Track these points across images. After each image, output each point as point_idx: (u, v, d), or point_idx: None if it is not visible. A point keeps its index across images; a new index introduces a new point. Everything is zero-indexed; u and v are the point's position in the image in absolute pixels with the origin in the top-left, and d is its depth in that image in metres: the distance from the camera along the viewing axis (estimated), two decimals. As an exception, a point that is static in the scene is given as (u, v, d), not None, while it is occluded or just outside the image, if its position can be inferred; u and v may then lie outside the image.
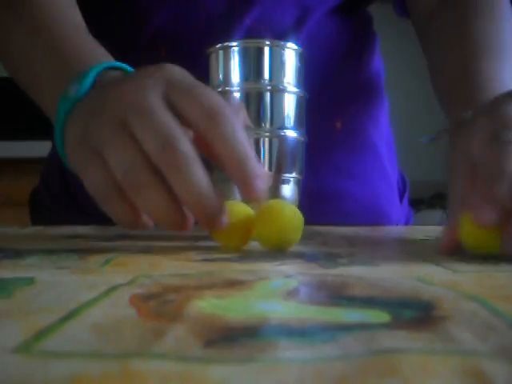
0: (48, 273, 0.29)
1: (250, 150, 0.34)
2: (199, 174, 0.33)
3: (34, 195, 0.72)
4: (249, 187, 0.34)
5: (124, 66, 0.43)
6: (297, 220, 0.37)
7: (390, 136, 0.72)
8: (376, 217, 0.65)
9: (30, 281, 0.26)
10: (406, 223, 0.72)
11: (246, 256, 0.36)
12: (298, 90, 0.47)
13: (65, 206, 0.65)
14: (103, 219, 0.60)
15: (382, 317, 0.19)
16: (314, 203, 0.60)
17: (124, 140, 0.34)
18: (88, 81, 0.40)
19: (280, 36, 0.58)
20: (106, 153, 0.34)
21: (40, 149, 1.82)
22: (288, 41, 0.47)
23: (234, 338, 0.17)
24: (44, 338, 0.16)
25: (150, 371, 0.14)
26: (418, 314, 0.20)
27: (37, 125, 1.81)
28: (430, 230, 0.59)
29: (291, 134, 0.46)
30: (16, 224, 0.59)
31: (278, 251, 0.38)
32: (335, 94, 0.63)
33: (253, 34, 0.57)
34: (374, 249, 0.41)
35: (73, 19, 0.49)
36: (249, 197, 0.35)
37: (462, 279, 0.27)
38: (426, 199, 2.20)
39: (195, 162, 0.33)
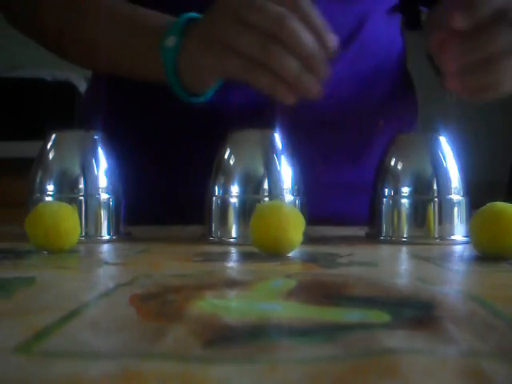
0: (48, 273, 0.29)
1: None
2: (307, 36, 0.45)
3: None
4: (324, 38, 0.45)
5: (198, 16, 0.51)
6: (296, 221, 0.36)
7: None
8: None
9: (30, 281, 0.26)
10: None
11: (246, 256, 0.36)
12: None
13: None
14: None
15: (382, 317, 0.19)
16: (325, 195, 0.61)
17: (245, 29, 0.45)
18: (180, 27, 0.49)
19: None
20: (236, 42, 0.46)
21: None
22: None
23: (234, 338, 0.17)
24: (44, 338, 0.16)
25: (149, 371, 0.14)
26: (418, 313, 0.20)
27: (36, 125, 1.80)
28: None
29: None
30: (16, 224, 0.59)
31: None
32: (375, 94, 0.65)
33: None
34: (374, 249, 0.41)
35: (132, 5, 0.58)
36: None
37: (462, 279, 0.27)
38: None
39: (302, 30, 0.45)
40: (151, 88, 0.57)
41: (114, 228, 0.46)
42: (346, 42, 0.61)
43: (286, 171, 0.44)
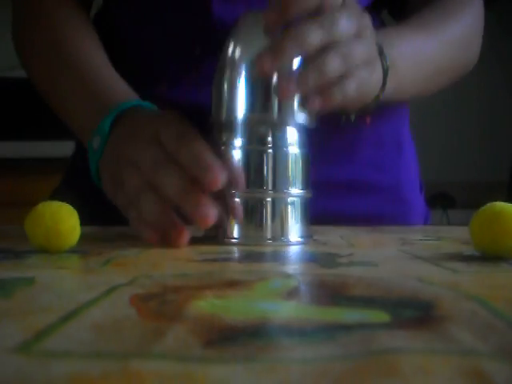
0: (48, 273, 0.29)
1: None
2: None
3: (55, 197, 0.71)
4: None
5: (141, 103, 0.51)
6: None
7: (411, 136, 0.74)
8: (401, 205, 0.68)
9: (30, 281, 0.26)
10: (426, 218, 0.74)
11: (246, 256, 0.36)
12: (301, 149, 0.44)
13: (92, 206, 0.65)
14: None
15: (382, 317, 0.19)
16: (343, 194, 0.62)
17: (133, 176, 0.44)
18: (104, 132, 0.49)
19: None
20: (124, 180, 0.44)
21: (41, 149, 1.82)
22: None
23: (234, 338, 0.17)
24: (44, 338, 0.16)
25: (149, 371, 0.14)
26: (418, 313, 0.20)
27: (39, 126, 1.80)
28: (430, 229, 0.59)
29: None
30: (17, 224, 0.59)
31: (284, 251, 0.38)
32: None
33: None
34: (374, 249, 0.41)
35: (100, 57, 0.59)
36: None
37: (462, 279, 0.27)
38: (426, 199, 2.20)
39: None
40: (148, 90, 0.57)
41: None
42: None
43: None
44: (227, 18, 0.57)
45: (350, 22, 0.45)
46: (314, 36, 0.42)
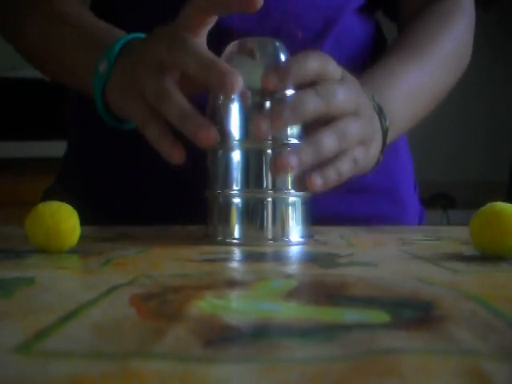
0: (48, 273, 0.29)
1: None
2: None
3: (48, 196, 0.71)
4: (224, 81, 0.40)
5: (141, 35, 0.51)
6: None
7: (407, 139, 0.74)
8: (397, 205, 0.69)
9: (30, 281, 0.26)
10: (420, 217, 0.74)
11: (246, 256, 0.36)
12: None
13: (88, 206, 0.65)
14: (127, 218, 0.60)
15: (382, 317, 0.19)
16: (340, 195, 0.63)
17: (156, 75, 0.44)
18: (113, 55, 0.49)
19: (309, 36, 0.59)
20: (143, 89, 0.45)
21: (40, 149, 1.82)
22: None
23: (234, 338, 0.17)
24: (44, 338, 0.16)
25: (150, 371, 0.14)
26: (418, 314, 0.20)
27: (36, 125, 1.80)
28: (430, 229, 0.59)
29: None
30: (16, 224, 0.59)
31: (284, 251, 0.38)
32: None
33: (282, 32, 0.57)
34: (374, 249, 0.41)
35: (90, 14, 0.60)
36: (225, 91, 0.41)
37: (462, 279, 0.27)
38: (426, 199, 2.21)
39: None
40: None
41: None
42: (320, 35, 0.61)
43: None
44: None
45: (348, 97, 0.45)
46: (313, 106, 0.42)
